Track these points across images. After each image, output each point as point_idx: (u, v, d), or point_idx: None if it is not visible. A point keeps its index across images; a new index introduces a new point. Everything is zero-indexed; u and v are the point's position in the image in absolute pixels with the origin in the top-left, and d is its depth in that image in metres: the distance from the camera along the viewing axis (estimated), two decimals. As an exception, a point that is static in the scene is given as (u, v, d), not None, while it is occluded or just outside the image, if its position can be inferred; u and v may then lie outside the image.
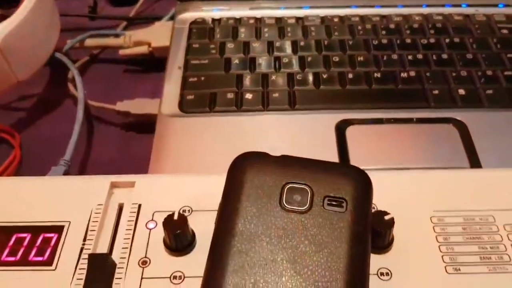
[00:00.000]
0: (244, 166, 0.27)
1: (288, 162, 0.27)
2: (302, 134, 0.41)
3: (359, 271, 0.24)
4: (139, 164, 0.41)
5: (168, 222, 0.27)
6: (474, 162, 0.38)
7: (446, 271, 0.27)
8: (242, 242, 0.24)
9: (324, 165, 0.27)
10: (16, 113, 0.48)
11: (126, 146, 0.44)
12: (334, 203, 0.25)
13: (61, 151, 0.41)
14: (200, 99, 0.44)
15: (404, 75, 0.45)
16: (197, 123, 0.42)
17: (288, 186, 0.26)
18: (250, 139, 0.40)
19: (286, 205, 0.25)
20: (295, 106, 0.43)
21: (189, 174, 0.32)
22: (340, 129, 0.41)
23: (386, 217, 0.27)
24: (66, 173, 0.38)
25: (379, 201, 0.30)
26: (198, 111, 0.43)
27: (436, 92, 0.43)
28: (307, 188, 0.26)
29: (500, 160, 0.38)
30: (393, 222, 0.27)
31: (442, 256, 0.28)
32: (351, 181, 0.26)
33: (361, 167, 0.38)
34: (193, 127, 0.42)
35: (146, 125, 0.45)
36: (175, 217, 0.27)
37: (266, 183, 0.26)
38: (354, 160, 0.39)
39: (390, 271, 0.27)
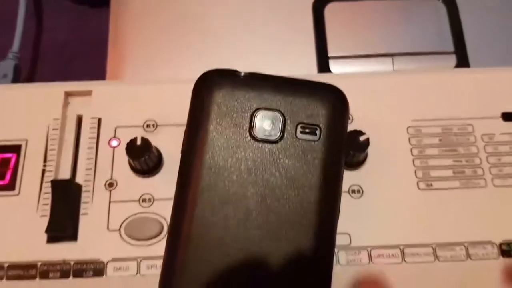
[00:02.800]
0: (210, 89, 0.24)
1: (257, 83, 0.25)
2: (275, 14, 0.37)
3: (331, 204, 0.23)
4: (97, 47, 0.37)
5: (132, 148, 0.26)
6: (460, 48, 0.35)
7: (418, 187, 0.27)
8: (210, 176, 0.23)
9: (297, 85, 0.25)
10: None
11: (79, 24, 0.40)
12: (307, 130, 0.24)
13: (5, 33, 0.36)
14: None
15: None
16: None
17: (258, 113, 0.24)
18: (218, 21, 0.36)
19: (257, 134, 0.24)
20: (268, -22, 0.38)
21: (151, 82, 0.29)
22: (318, 7, 0.37)
23: (361, 138, 0.26)
24: (16, 68, 0.34)
25: (356, 111, 0.28)
26: (159, -18, 0.38)
27: (427, -44, 0.38)
28: (279, 114, 0.24)
29: (489, 47, 0.35)
30: (368, 144, 0.26)
31: (415, 171, 0.27)
32: (325, 105, 0.24)
33: (340, 55, 0.36)
34: (154, 1, 0.37)
35: (99, -3, 0.40)
36: (138, 142, 0.26)
37: (235, 110, 0.24)
38: (332, 46, 0.36)
39: (361, 188, 0.27)
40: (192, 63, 0.35)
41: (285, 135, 0.24)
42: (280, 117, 0.24)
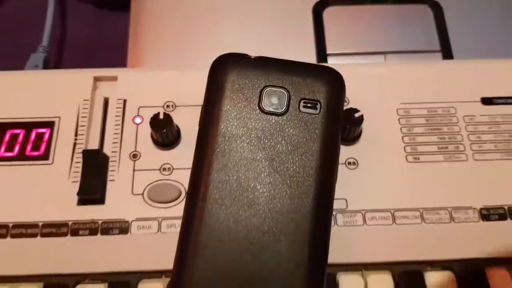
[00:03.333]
0: (224, 69, 0.28)
1: (266, 65, 0.28)
2: (279, 16, 0.41)
3: (329, 167, 0.27)
4: (117, 44, 0.41)
5: (155, 121, 0.29)
6: (446, 47, 0.39)
7: (406, 160, 0.30)
8: (224, 143, 0.27)
9: (300, 67, 0.28)
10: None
11: (101, 24, 0.44)
12: (309, 105, 0.27)
13: (31, 27, 0.40)
14: (176, -26, 0.42)
15: None
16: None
17: (266, 90, 0.28)
18: (227, 20, 0.40)
19: (265, 108, 0.27)
20: (272, -16, 0.42)
21: (170, 69, 0.33)
22: (318, 10, 0.41)
23: (356, 115, 0.29)
24: (46, 60, 0.38)
25: (352, 95, 0.32)
26: (173, -13, 0.42)
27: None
28: (284, 91, 0.28)
29: (472, 46, 0.39)
30: (362, 120, 0.29)
31: (404, 147, 0.31)
32: (325, 84, 0.28)
33: (337, 52, 0.39)
34: (169, 4, 0.41)
35: (118, 1, 0.44)
36: (161, 116, 0.29)
37: (246, 87, 0.28)
38: (330, 44, 0.40)
39: (356, 160, 0.30)
40: (202, 60, 0.39)
41: (289, 108, 0.27)
42: (286, 94, 0.28)
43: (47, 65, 0.38)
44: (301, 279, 0.25)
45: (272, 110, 0.27)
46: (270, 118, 0.27)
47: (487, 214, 0.29)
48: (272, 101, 0.27)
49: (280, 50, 0.39)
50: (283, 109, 0.27)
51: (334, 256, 0.27)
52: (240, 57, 0.28)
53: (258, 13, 0.41)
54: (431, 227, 0.29)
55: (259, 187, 0.26)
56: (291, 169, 0.26)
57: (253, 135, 0.27)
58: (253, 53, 0.29)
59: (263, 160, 0.27)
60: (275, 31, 0.40)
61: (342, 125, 0.29)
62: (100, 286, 0.27)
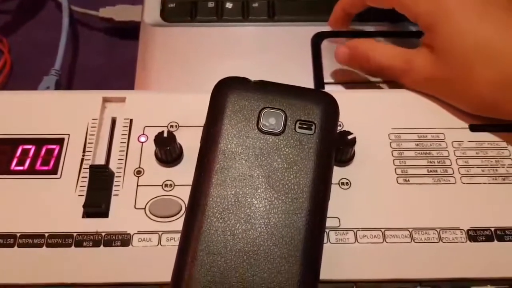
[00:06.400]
0: (225, 91, 0.30)
1: (265, 88, 0.30)
2: (280, 46, 0.43)
3: (322, 185, 0.28)
4: (125, 71, 0.43)
5: (159, 139, 0.31)
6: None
7: (397, 182, 0.32)
8: (224, 160, 0.28)
9: (297, 90, 0.30)
10: (-1, 16, 0.49)
11: (111, 52, 0.46)
12: (304, 126, 0.29)
13: (46, 54, 0.43)
14: (182, 8, 0.45)
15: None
16: (180, 33, 0.44)
17: (265, 111, 0.29)
18: (230, 51, 0.43)
19: (263, 128, 0.29)
20: (274, 17, 0.44)
21: (175, 92, 0.35)
22: (316, 42, 0.43)
23: (349, 137, 0.31)
24: (57, 82, 0.40)
25: (346, 119, 0.33)
26: (179, 20, 0.44)
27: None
28: (281, 112, 0.29)
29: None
30: (355, 141, 0.31)
31: (395, 169, 0.32)
32: (320, 106, 0.30)
33: (334, 81, 0.41)
34: (176, 37, 0.43)
35: (128, 31, 0.46)
36: (165, 134, 0.31)
37: (246, 108, 0.29)
38: (327, 74, 0.41)
39: (349, 181, 0.32)
40: (205, 85, 0.41)
41: (286, 129, 0.29)
42: (283, 115, 0.29)
43: (58, 88, 0.40)
44: (293, 291, 0.26)
45: (269, 130, 0.29)
46: (268, 138, 0.29)
47: (475, 235, 0.30)
48: (269, 122, 0.29)
49: (280, 80, 0.41)
50: (280, 129, 0.29)
51: (326, 272, 0.28)
52: (241, 80, 0.30)
53: (259, 43, 0.43)
54: (420, 247, 0.30)
55: (255, 202, 0.27)
56: (286, 186, 0.28)
57: (251, 153, 0.29)
58: (254, 78, 0.31)
59: (260, 177, 0.28)
60: (277, 62, 0.42)
61: (336, 146, 0.30)
62: (101, 295, 0.28)
